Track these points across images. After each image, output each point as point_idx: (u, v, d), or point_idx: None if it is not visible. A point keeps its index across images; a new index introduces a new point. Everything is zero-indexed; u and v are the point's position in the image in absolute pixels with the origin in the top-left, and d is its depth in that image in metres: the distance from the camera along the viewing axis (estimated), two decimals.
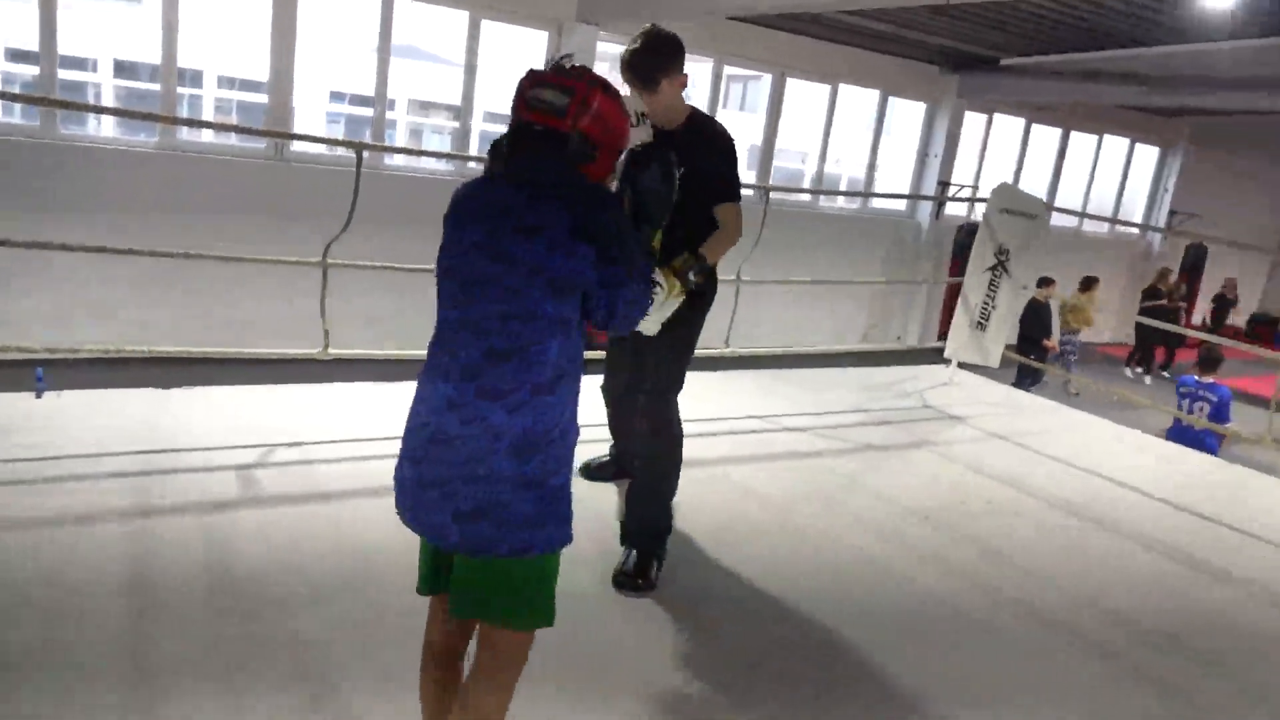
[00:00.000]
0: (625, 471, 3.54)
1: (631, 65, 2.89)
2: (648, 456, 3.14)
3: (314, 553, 2.94)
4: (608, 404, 3.57)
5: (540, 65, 1.95)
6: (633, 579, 2.96)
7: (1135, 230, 15.55)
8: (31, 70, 8.14)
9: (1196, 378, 6.99)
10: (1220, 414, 6.70)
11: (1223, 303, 14.25)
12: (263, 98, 8.84)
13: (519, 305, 1.76)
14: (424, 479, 1.80)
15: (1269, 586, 3.65)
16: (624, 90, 2.78)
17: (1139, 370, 13.37)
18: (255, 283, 7.74)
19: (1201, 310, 14.76)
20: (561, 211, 1.76)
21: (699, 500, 3.64)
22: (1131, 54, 10.45)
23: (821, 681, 2.63)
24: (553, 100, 1.84)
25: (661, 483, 3.12)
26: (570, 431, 1.85)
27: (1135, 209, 15.66)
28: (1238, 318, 15.89)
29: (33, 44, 7.37)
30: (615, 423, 3.61)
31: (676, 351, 3.07)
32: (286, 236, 7.83)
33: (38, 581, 2.62)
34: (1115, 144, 14.69)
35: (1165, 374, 13.54)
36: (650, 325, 2.81)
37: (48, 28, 7.18)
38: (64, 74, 7.45)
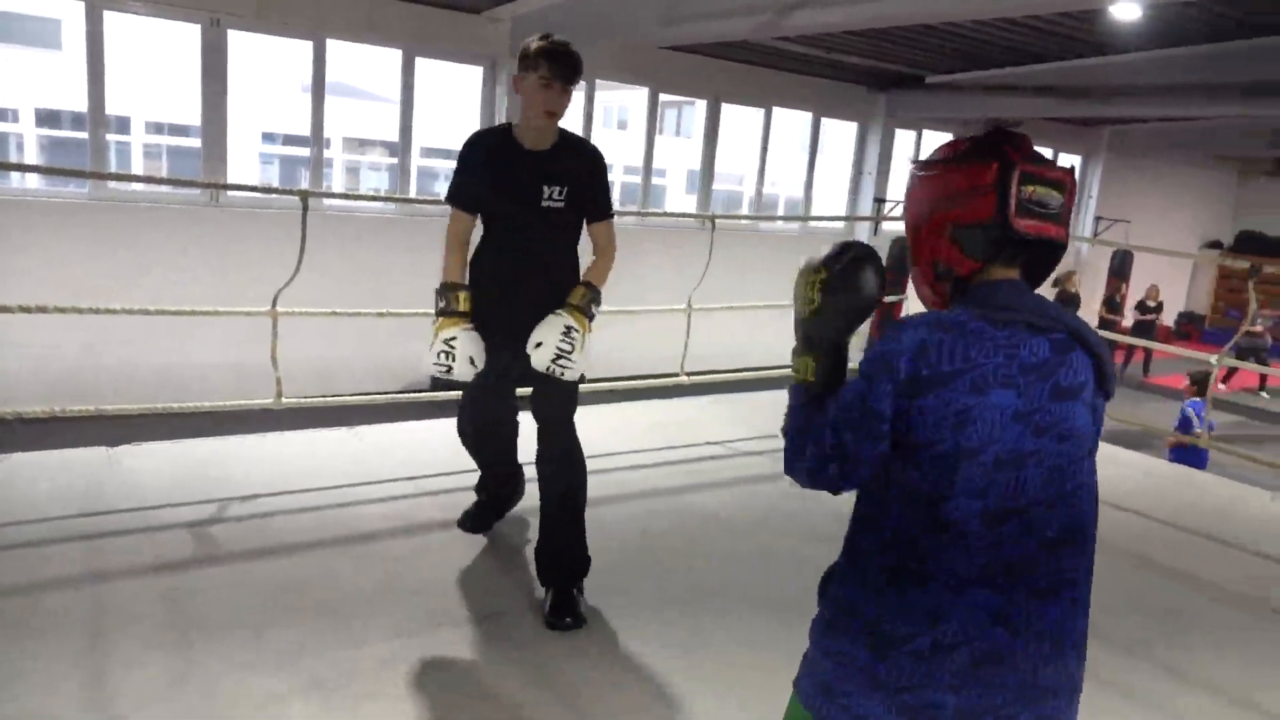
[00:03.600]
0: (499, 512, 3.47)
1: (572, 58, 2.80)
2: (568, 488, 3.02)
3: (277, 608, 2.89)
4: (485, 447, 3.36)
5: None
6: (569, 616, 2.90)
7: None
8: None
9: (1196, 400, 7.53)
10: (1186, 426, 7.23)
11: (1146, 311, 14.84)
12: (192, 141, 8.73)
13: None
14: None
15: (1226, 587, 3.79)
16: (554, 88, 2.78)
17: None
18: (201, 332, 7.59)
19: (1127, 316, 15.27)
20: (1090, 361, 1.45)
21: (663, 530, 3.65)
22: (1048, 68, 10.88)
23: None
24: (1053, 204, 1.46)
25: (581, 512, 3.04)
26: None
27: None
28: (1162, 321, 16.49)
29: None
30: (498, 464, 3.43)
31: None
32: (226, 282, 7.74)
33: None
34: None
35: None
36: (577, 371, 2.88)
37: None
38: None
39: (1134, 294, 15.00)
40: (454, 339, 2.89)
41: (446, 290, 2.95)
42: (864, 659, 1.44)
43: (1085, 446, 1.45)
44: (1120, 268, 14.95)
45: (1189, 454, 7.03)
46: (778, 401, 5.10)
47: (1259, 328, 12.42)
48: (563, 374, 2.87)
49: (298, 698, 2.46)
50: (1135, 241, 14.10)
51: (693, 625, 3.01)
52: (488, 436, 3.32)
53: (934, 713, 1.40)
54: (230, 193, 8.15)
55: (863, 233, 12.80)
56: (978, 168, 1.46)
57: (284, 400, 4.35)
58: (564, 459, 3.01)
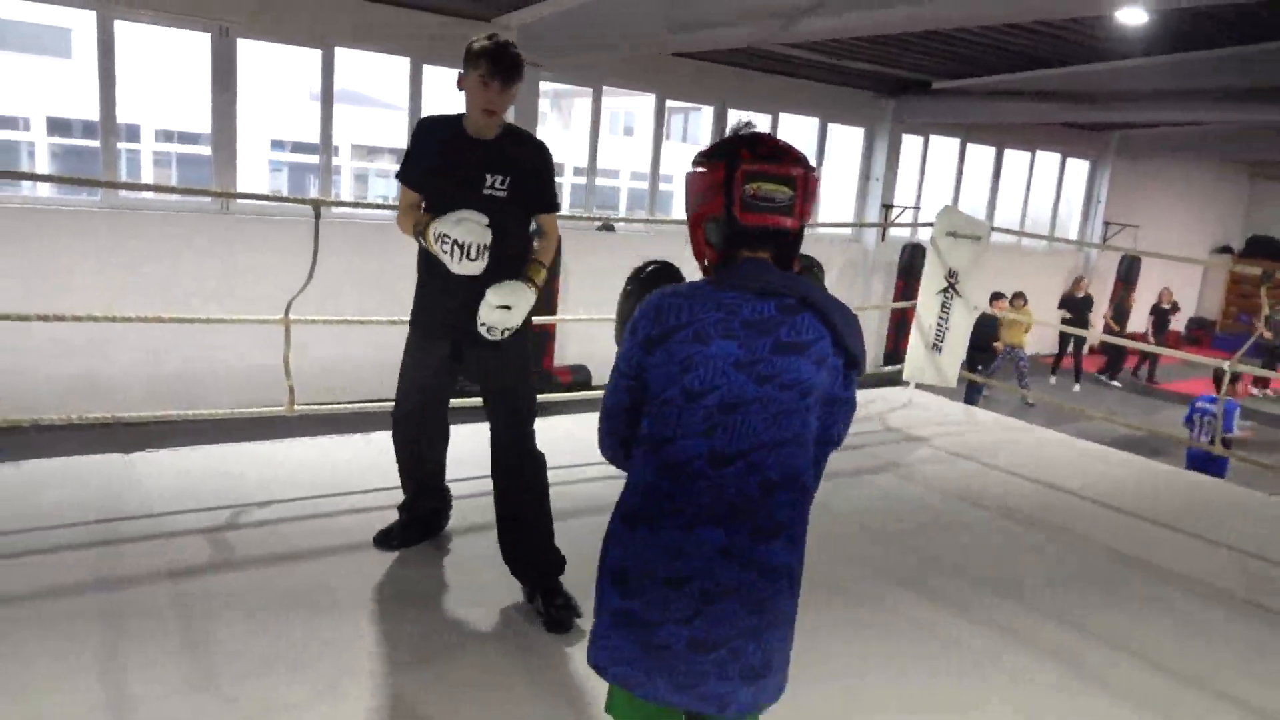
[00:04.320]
0: (429, 530, 3.44)
1: (512, 58, 2.82)
2: (543, 489, 3.05)
3: (292, 613, 2.90)
4: (421, 459, 3.28)
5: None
6: (570, 611, 2.92)
7: (1071, 244, 16.04)
8: None
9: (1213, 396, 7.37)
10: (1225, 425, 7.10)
11: (1161, 313, 14.75)
12: (202, 149, 8.78)
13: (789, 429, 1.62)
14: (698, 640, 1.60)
15: (1238, 594, 3.78)
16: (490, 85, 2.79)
17: (1107, 379, 13.88)
18: (212, 339, 7.64)
19: (1141, 321, 15.22)
20: (821, 325, 1.63)
21: None
22: (1055, 73, 10.89)
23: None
24: (779, 198, 1.64)
25: (549, 511, 3.06)
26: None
27: (1071, 221, 16.16)
28: (1177, 324, 16.44)
29: None
30: (432, 477, 3.36)
31: (529, 375, 3.12)
32: (237, 289, 7.79)
33: (9, 659, 2.55)
34: (1048, 159, 15.17)
35: (1115, 382, 13.94)
36: (515, 319, 2.89)
37: None
38: None
39: (1144, 299, 14.96)
40: (444, 232, 2.84)
41: (419, 233, 2.95)
42: (615, 602, 1.64)
43: (809, 397, 1.61)
44: (1128, 274, 14.92)
45: (1207, 461, 6.81)
46: None
47: (1269, 333, 12.37)
48: (501, 338, 2.91)
49: (313, 703, 2.48)
50: (1144, 246, 14.09)
51: None
52: (423, 445, 3.29)
53: (672, 644, 1.58)
54: (240, 200, 8.20)
55: (870, 237, 12.81)
56: (712, 168, 1.65)
57: (296, 408, 4.37)
58: (531, 461, 3.04)
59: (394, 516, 3.45)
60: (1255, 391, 13.14)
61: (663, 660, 1.60)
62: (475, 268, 2.85)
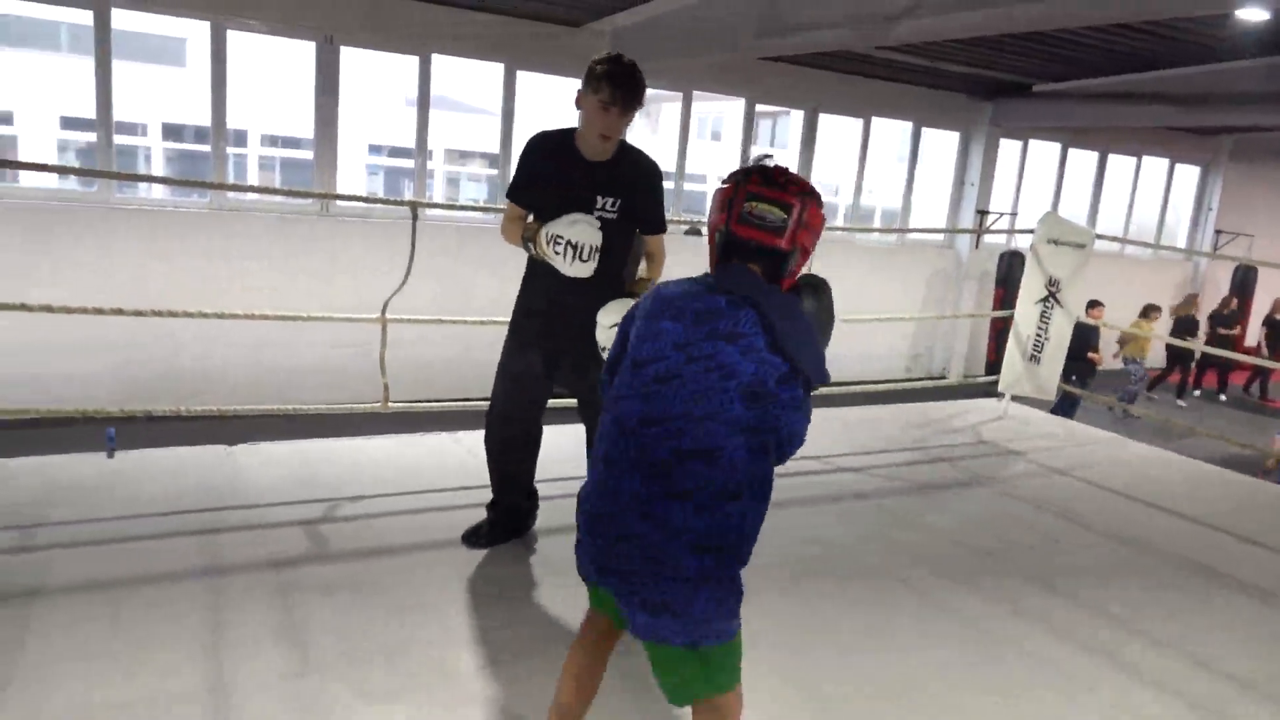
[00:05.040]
0: (516, 530, 3.44)
1: (635, 84, 2.79)
2: None
3: (381, 608, 2.97)
4: (511, 459, 3.33)
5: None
6: None
7: (1179, 253, 15.33)
8: (85, 136, 8.44)
9: None
10: None
11: (1276, 325, 13.88)
12: (304, 153, 9.08)
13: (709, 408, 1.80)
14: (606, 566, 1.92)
15: None
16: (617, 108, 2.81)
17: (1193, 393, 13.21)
18: (310, 336, 7.89)
19: (1255, 333, 14.41)
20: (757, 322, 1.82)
21: (763, 544, 3.61)
22: (1164, 75, 10.41)
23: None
24: (771, 218, 1.85)
25: None
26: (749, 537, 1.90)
27: (1179, 230, 15.45)
28: None
29: (86, 111, 7.65)
30: (520, 478, 3.40)
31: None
32: (334, 287, 8.04)
33: (120, 641, 2.67)
34: (1155, 165, 14.54)
35: (1222, 397, 13.27)
36: (586, 270, 2.90)
37: (104, 96, 7.45)
38: (116, 139, 7.70)
39: (1258, 311, 14.16)
40: (558, 234, 2.85)
41: (527, 240, 2.98)
42: (580, 518, 1.96)
43: (731, 381, 1.79)
44: (1243, 284, 14.15)
45: None
46: (871, 418, 5.01)
47: None
48: None
49: (402, 695, 2.52)
50: (1259, 256, 13.36)
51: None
52: (515, 447, 3.31)
53: (590, 574, 1.98)
54: (339, 202, 8.46)
55: (963, 243, 12.48)
56: (725, 188, 1.90)
57: (390, 404, 4.48)
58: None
59: (482, 514, 3.50)
60: None
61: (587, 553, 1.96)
62: (586, 269, 2.87)
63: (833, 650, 2.94)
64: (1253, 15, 7.11)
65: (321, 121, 8.39)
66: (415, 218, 4.25)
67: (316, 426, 4.71)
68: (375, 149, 17.99)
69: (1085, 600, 3.47)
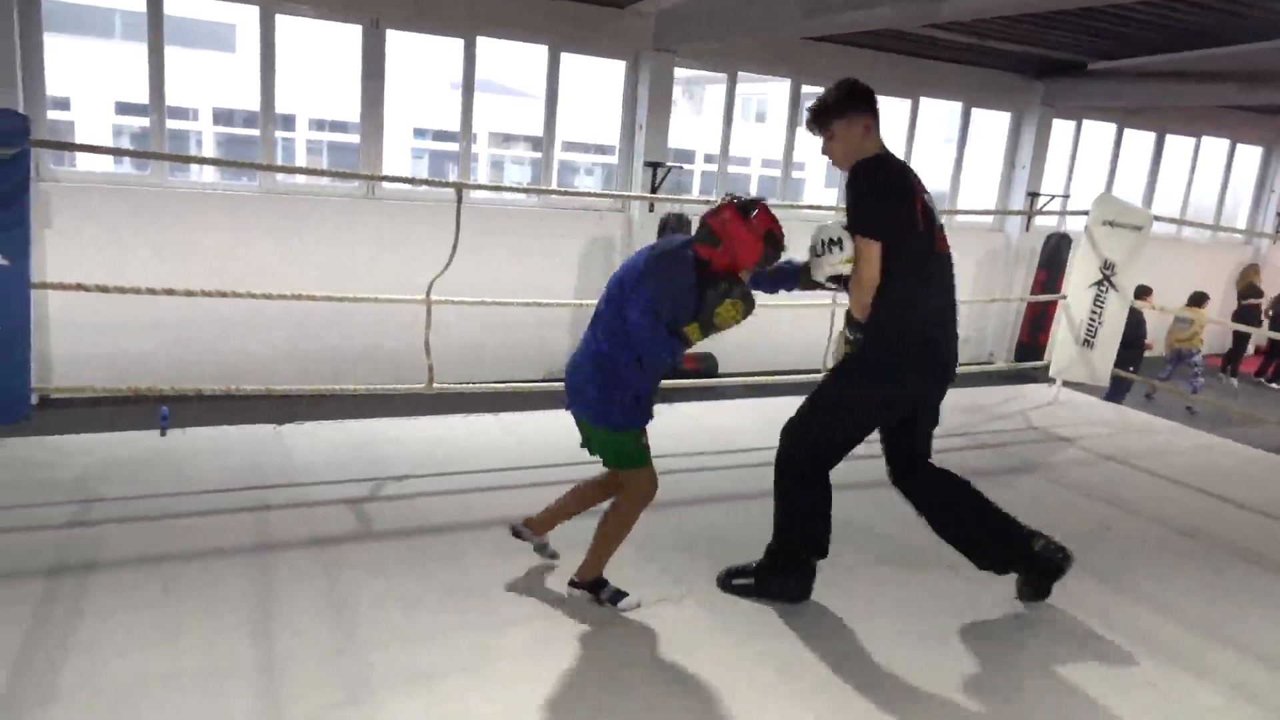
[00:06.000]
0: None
1: (809, 113, 3.11)
2: (777, 491, 3.16)
3: (427, 587, 3.00)
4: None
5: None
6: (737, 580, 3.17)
7: (1239, 236, 14.87)
8: (139, 121, 8.60)
9: None
10: None
11: None
12: (351, 137, 9.15)
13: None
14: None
15: None
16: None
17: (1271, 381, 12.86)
18: (357, 318, 7.98)
19: None
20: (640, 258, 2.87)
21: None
22: (1224, 52, 10.04)
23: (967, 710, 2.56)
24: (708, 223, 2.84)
25: (781, 505, 3.17)
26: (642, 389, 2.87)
27: (1240, 212, 14.99)
28: None
29: (139, 96, 7.78)
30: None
31: (822, 405, 3.11)
32: (380, 269, 8.11)
33: (170, 614, 2.73)
34: (1214, 145, 14.09)
35: (1275, 384, 12.88)
36: (824, 271, 3.07)
37: (156, 81, 7.57)
38: (169, 123, 7.84)
39: None
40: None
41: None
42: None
43: (618, 288, 2.82)
44: None
45: None
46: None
47: None
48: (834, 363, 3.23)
49: (445, 675, 2.55)
50: None
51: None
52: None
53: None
54: (385, 185, 8.53)
55: (1013, 226, 12.24)
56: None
57: (435, 386, 4.52)
58: (779, 470, 3.12)
59: (522, 495, 3.52)
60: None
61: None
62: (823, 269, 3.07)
63: (884, 634, 2.92)
64: None
65: (367, 105, 8.45)
66: (460, 199, 4.27)
67: (362, 407, 4.77)
68: (420, 133, 18.09)
69: (1137, 588, 3.40)
